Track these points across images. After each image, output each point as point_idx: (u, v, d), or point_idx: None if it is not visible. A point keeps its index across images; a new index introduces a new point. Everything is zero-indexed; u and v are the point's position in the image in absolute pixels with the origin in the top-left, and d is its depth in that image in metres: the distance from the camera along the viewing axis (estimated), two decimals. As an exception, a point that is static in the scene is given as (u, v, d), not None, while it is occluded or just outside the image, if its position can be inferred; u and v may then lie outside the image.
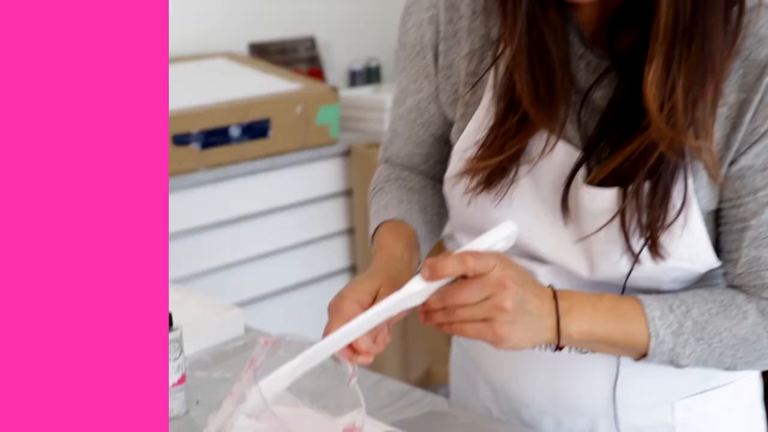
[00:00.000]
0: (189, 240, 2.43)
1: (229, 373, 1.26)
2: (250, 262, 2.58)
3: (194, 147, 2.37)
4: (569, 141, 0.97)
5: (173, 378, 1.12)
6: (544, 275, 1.01)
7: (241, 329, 1.40)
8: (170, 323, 1.11)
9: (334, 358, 0.89)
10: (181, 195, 2.37)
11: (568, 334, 0.92)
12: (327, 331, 0.89)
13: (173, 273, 2.33)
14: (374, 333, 0.92)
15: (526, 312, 0.89)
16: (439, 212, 1.17)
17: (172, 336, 1.11)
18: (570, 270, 1.00)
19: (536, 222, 1.00)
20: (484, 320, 0.87)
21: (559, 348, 0.94)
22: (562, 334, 0.92)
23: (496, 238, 0.88)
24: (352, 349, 0.90)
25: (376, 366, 2.68)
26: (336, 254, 2.81)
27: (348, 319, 0.88)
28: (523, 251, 1.02)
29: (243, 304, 2.54)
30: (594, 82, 0.95)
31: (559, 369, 1.07)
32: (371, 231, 1.11)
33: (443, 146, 1.12)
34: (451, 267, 0.86)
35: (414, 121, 1.13)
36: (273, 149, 2.54)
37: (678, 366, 0.96)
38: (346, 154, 2.72)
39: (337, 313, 0.91)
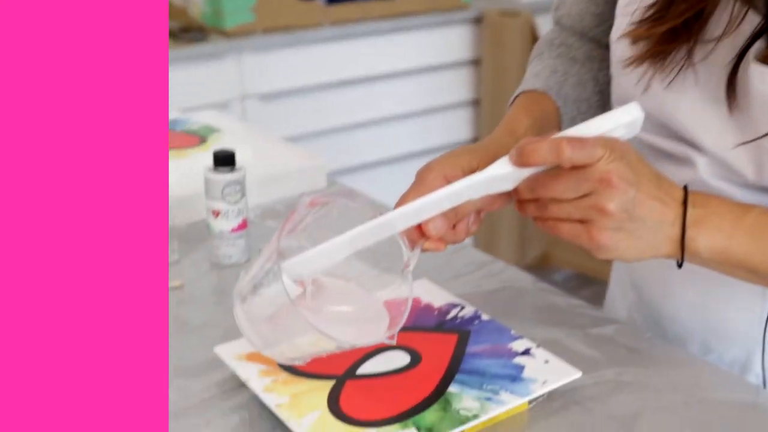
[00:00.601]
0: (308, 97, 2.38)
1: (300, 225, 1.20)
2: (367, 126, 2.52)
3: (319, 1, 2.32)
4: (752, 5, 0.76)
5: (233, 223, 1.06)
6: (704, 167, 0.83)
7: (323, 181, 1.33)
8: (233, 163, 1.05)
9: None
10: (303, 50, 2.33)
11: (695, 250, 0.75)
12: (401, 202, 0.77)
13: (286, 130, 2.30)
14: (456, 218, 0.78)
15: (637, 218, 0.72)
16: (605, 90, 0.97)
17: (233, 177, 1.05)
18: (732, 167, 0.81)
19: (701, 105, 0.81)
20: (582, 221, 0.72)
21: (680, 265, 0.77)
22: (688, 248, 0.74)
23: (614, 123, 0.71)
24: (420, 231, 0.77)
25: (490, 246, 2.63)
26: (459, 125, 2.72)
27: (427, 193, 0.75)
28: (682, 137, 0.84)
29: (356, 168, 2.50)
30: None
31: (712, 285, 0.89)
32: (511, 99, 0.96)
33: None
34: (541, 153, 0.70)
35: None
36: (400, 10, 2.46)
37: None
38: (478, 21, 2.61)
39: (417, 184, 0.78)
